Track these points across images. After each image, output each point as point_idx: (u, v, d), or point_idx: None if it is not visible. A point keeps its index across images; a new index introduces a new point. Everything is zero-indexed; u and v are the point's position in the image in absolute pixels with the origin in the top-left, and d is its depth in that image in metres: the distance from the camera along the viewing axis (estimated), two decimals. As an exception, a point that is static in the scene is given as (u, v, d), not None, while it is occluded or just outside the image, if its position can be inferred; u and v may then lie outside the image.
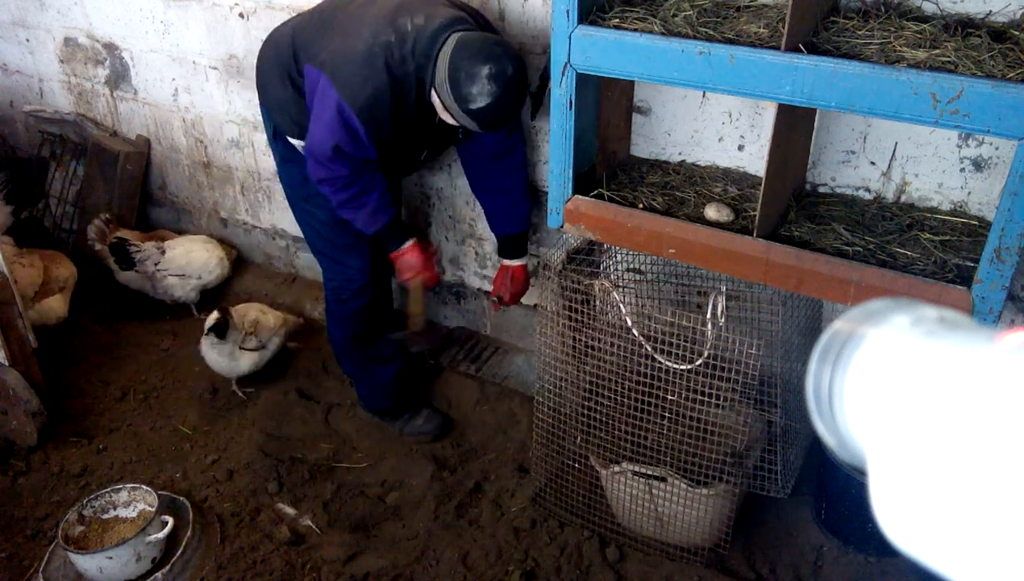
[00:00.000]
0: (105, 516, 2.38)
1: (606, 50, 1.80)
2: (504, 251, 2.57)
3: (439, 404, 2.86)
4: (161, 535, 2.24)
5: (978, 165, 1.92)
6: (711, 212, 1.95)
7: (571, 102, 1.91)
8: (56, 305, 3.25)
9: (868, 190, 2.08)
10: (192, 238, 3.52)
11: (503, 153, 2.38)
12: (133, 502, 2.40)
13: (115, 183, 3.69)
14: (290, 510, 2.47)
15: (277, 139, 2.44)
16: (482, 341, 3.10)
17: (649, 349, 1.98)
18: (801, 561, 2.25)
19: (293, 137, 2.36)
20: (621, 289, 2.14)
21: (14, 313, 2.73)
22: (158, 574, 2.24)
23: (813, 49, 1.63)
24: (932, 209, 1.99)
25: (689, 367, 1.94)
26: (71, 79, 3.80)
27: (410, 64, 2.06)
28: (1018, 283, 2.00)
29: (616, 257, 2.30)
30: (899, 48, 1.59)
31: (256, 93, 2.48)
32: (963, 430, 0.44)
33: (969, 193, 1.96)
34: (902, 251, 1.80)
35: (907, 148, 1.99)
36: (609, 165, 2.24)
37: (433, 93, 2.08)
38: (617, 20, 1.83)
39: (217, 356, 2.85)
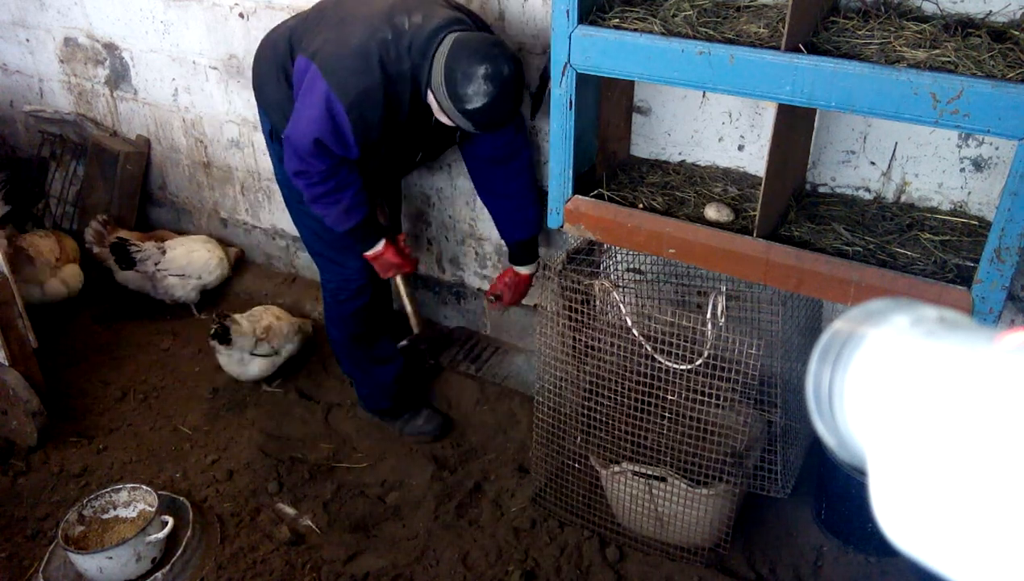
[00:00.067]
0: (105, 516, 2.38)
1: (606, 50, 1.80)
2: (514, 257, 2.56)
3: (439, 404, 2.86)
4: (161, 535, 2.24)
5: (978, 165, 1.92)
6: (711, 212, 1.95)
7: (571, 102, 1.91)
8: (76, 271, 3.45)
9: (868, 190, 2.08)
10: (192, 238, 3.52)
11: (507, 157, 2.37)
12: (133, 502, 2.40)
13: (115, 183, 3.69)
14: (290, 510, 2.47)
15: (275, 140, 2.43)
16: (482, 341, 3.11)
17: (649, 349, 1.98)
18: (801, 561, 2.25)
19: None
20: (621, 289, 2.14)
21: (14, 313, 2.73)
22: (158, 574, 2.24)
23: (813, 49, 1.63)
24: (932, 209, 1.99)
25: (689, 367, 1.94)
26: (71, 79, 3.80)
27: (405, 62, 2.05)
28: (1018, 283, 2.00)
29: (616, 257, 2.30)
30: (899, 48, 1.59)
31: (253, 93, 2.48)
32: (963, 430, 0.44)
33: (969, 193, 1.96)
34: (902, 251, 1.80)
35: (907, 148, 1.99)
36: (609, 165, 2.24)
37: (429, 93, 2.07)
38: (617, 20, 1.83)
39: (227, 360, 2.87)
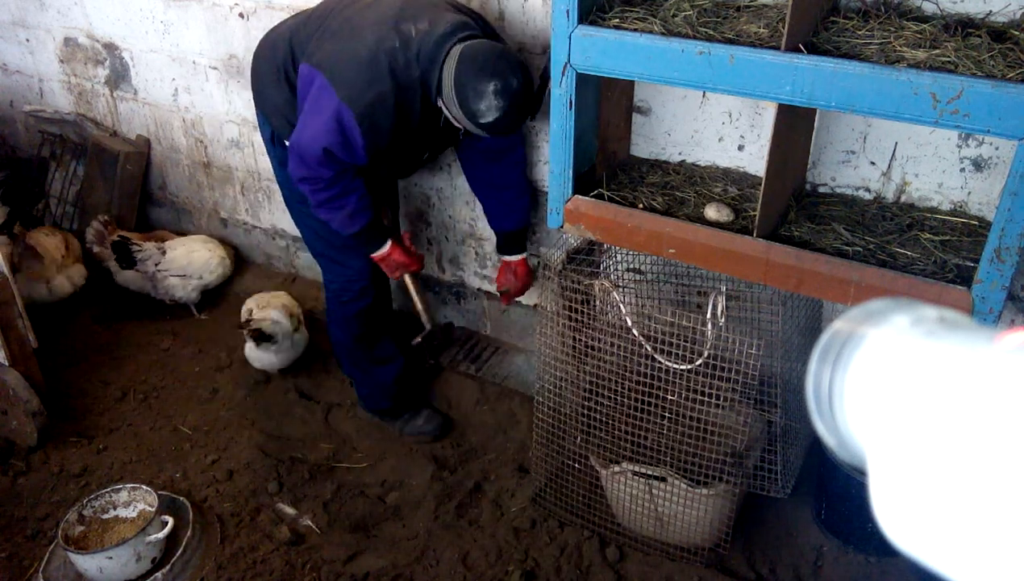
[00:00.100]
0: (105, 516, 2.38)
1: (606, 50, 1.80)
2: (503, 247, 2.58)
3: (439, 404, 2.86)
4: (161, 535, 2.24)
5: (978, 165, 1.92)
6: (711, 212, 1.95)
7: (571, 102, 1.91)
8: (81, 269, 3.48)
9: (868, 190, 2.08)
10: (193, 238, 3.52)
11: (503, 150, 2.39)
12: (133, 502, 2.40)
13: (115, 183, 3.69)
14: (290, 510, 2.47)
15: (275, 143, 2.43)
16: (482, 341, 3.10)
17: (649, 349, 1.98)
18: (801, 561, 2.25)
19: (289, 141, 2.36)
20: (621, 289, 2.14)
21: (14, 313, 2.73)
22: (158, 574, 2.24)
23: (813, 49, 1.63)
24: (932, 209, 1.99)
25: (689, 367, 1.94)
26: (71, 79, 3.80)
27: (415, 70, 2.05)
28: (1018, 283, 2.00)
29: (616, 257, 2.30)
30: (899, 48, 1.59)
31: (252, 95, 2.48)
32: (963, 430, 0.44)
33: (969, 193, 1.96)
34: (902, 251, 1.80)
35: (907, 148, 1.99)
36: (609, 165, 2.24)
37: (440, 101, 2.09)
38: (617, 20, 1.83)
39: (274, 356, 2.90)
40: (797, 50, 1.61)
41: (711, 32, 1.74)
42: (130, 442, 2.76)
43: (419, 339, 2.83)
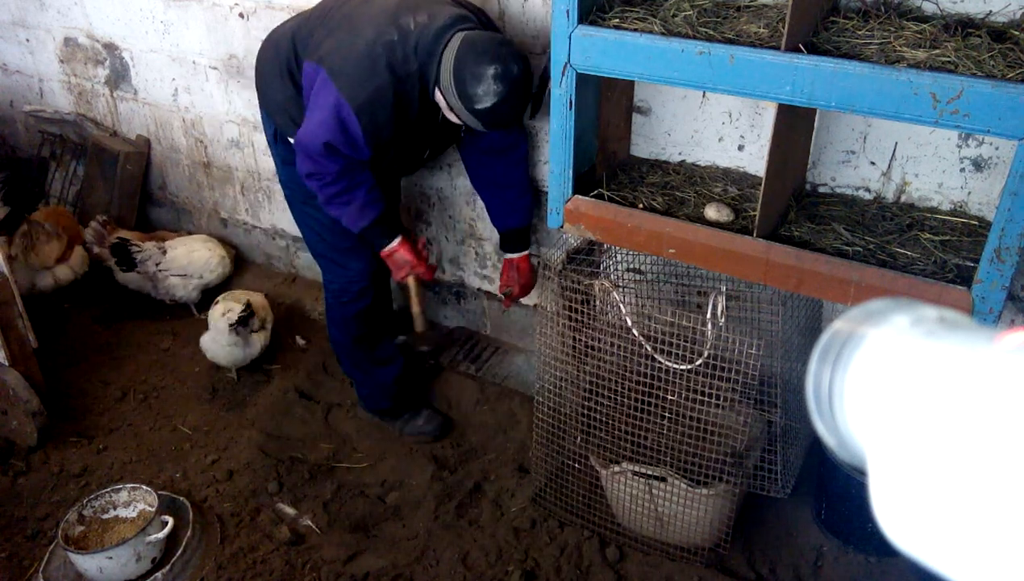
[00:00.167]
0: (105, 516, 2.38)
1: (606, 50, 1.80)
2: (506, 245, 2.57)
3: (439, 404, 2.86)
4: (161, 535, 2.24)
5: (978, 165, 1.92)
6: (711, 212, 1.95)
7: (571, 102, 1.91)
8: (82, 253, 3.48)
9: (868, 190, 2.08)
10: (193, 237, 3.52)
11: (506, 148, 2.39)
12: (133, 502, 2.40)
13: (115, 183, 3.70)
14: (290, 510, 2.47)
15: (278, 141, 2.43)
16: (482, 341, 3.10)
17: (649, 349, 1.98)
18: (801, 561, 2.25)
19: (295, 138, 2.35)
20: (621, 289, 2.14)
21: (14, 313, 2.73)
22: (158, 574, 2.24)
23: (813, 49, 1.63)
24: (932, 209, 1.99)
25: (689, 367, 1.94)
26: (71, 79, 3.80)
27: (413, 63, 2.05)
28: (1018, 283, 2.00)
29: (616, 257, 2.30)
30: (899, 48, 1.59)
31: (256, 93, 2.48)
32: (963, 430, 0.44)
33: (969, 193, 1.96)
34: (902, 251, 1.80)
35: (907, 148, 1.99)
36: (609, 165, 2.24)
37: (437, 92, 2.08)
38: (617, 20, 1.83)
39: (231, 348, 2.90)
40: (797, 50, 1.61)
41: (711, 32, 1.74)
42: (130, 442, 2.76)
43: (404, 338, 2.80)
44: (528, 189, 2.50)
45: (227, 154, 3.48)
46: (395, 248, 2.36)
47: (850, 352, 0.54)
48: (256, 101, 2.51)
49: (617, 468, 2.16)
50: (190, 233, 3.68)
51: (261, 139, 3.25)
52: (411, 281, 2.49)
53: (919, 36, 1.63)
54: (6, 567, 2.31)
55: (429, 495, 2.50)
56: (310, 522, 2.43)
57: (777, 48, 1.62)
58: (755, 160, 2.21)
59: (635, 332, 2.00)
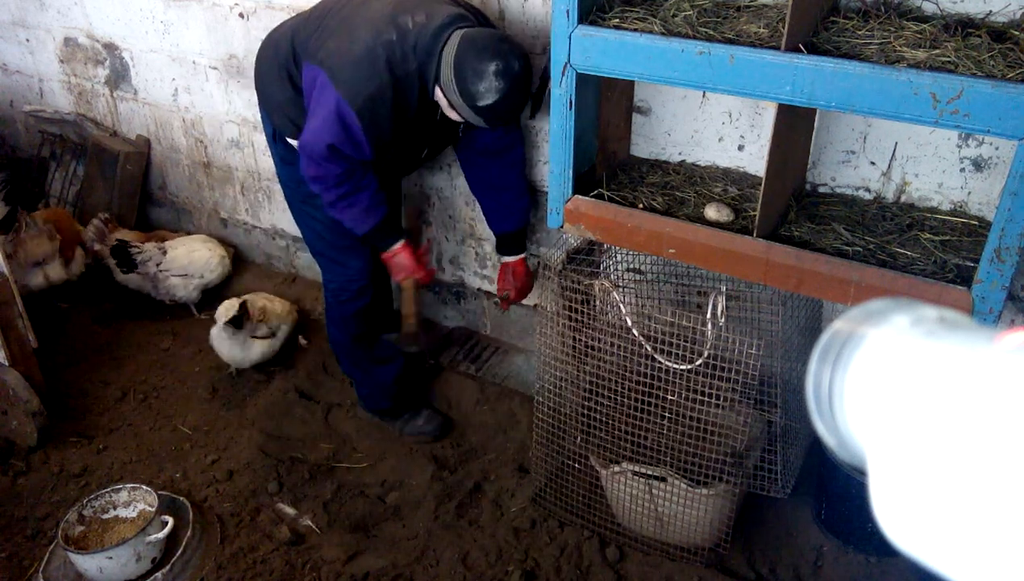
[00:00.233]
0: (105, 516, 2.38)
1: (606, 50, 1.80)
2: (502, 248, 2.57)
3: (439, 404, 2.86)
4: (161, 535, 2.24)
5: (978, 165, 1.92)
6: (711, 212, 1.95)
7: (571, 102, 1.91)
8: (79, 257, 3.45)
9: (868, 190, 2.08)
10: (193, 237, 3.52)
11: (502, 149, 2.39)
12: (133, 502, 2.40)
13: (115, 183, 3.70)
14: (290, 510, 2.47)
15: (277, 141, 2.43)
16: (482, 341, 3.10)
17: (649, 349, 1.98)
18: (801, 561, 2.25)
19: (293, 138, 2.35)
20: (621, 289, 2.14)
21: (14, 313, 2.73)
22: (158, 574, 2.24)
23: (813, 49, 1.63)
24: (932, 209, 1.99)
25: (689, 367, 1.94)
26: (71, 79, 3.80)
27: (412, 63, 2.05)
28: (1018, 283, 2.00)
29: (616, 257, 2.30)
30: (899, 48, 1.59)
31: (255, 93, 2.48)
32: (963, 430, 0.44)
33: (969, 193, 1.96)
34: (902, 251, 1.80)
35: (907, 148, 1.99)
36: (609, 165, 2.24)
37: (437, 90, 2.08)
38: (617, 20, 1.83)
39: (229, 346, 2.90)
40: (797, 50, 1.61)
41: (711, 32, 1.74)
42: (130, 442, 2.76)
43: (393, 336, 2.75)
44: (524, 192, 2.50)
45: (227, 154, 3.48)
46: (397, 251, 2.37)
47: (850, 352, 0.54)
48: (256, 101, 2.51)
49: (617, 468, 2.16)
50: (190, 233, 3.68)
51: (261, 139, 3.25)
52: (408, 283, 2.49)
53: (919, 36, 1.63)
54: (6, 567, 2.31)
55: (429, 495, 2.50)
56: (310, 522, 2.43)
57: (777, 48, 1.62)
58: (755, 160, 2.21)
59: (635, 332, 2.00)
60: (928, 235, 1.86)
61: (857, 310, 0.56)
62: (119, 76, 3.61)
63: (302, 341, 3.17)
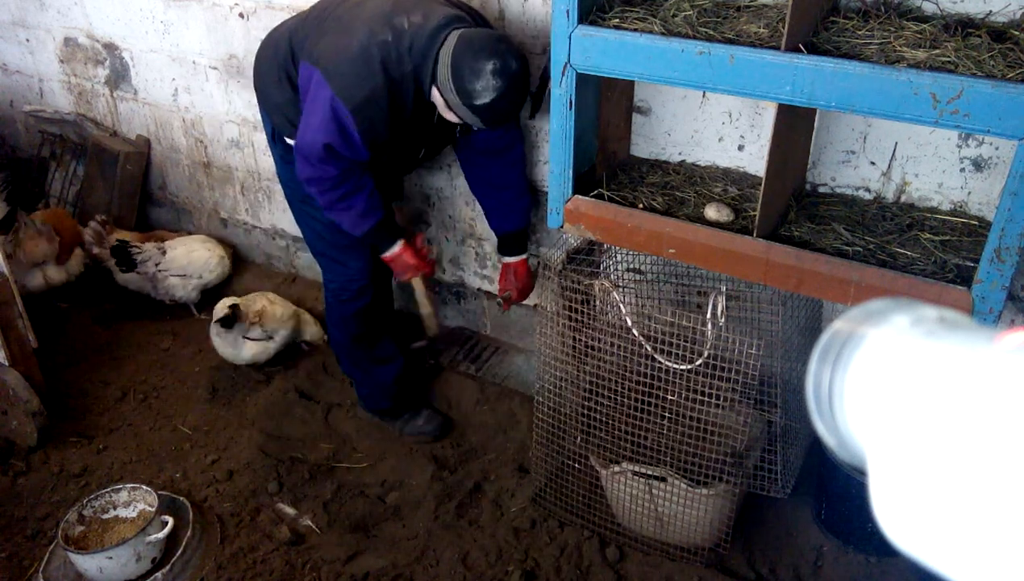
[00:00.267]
0: (105, 516, 2.38)
1: (606, 50, 1.80)
2: (504, 249, 2.57)
3: (439, 404, 2.86)
4: (161, 535, 2.24)
5: (978, 165, 1.92)
6: (711, 212, 1.95)
7: (571, 102, 1.91)
8: (78, 258, 3.46)
9: (868, 190, 2.08)
10: (192, 238, 3.52)
11: (502, 149, 2.38)
12: (133, 502, 2.40)
13: (115, 183, 3.70)
14: (290, 510, 2.47)
15: (276, 140, 2.43)
16: (482, 341, 3.11)
17: (649, 349, 1.98)
18: (801, 561, 2.25)
19: (292, 139, 2.35)
20: (621, 289, 2.14)
21: (14, 313, 2.73)
22: (158, 574, 2.24)
23: (813, 49, 1.63)
24: (932, 209, 1.99)
25: (689, 367, 1.94)
26: (71, 79, 3.80)
27: (407, 63, 2.05)
28: (1018, 283, 2.00)
29: (616, 257, 2.30)
30: (899, 48, 1.59)
31: (255, 93, 2.48)
32: (963, 430, 0.44)
33: (969, 193, 1.96)
34: (902, 251, 1.80)
35: (907, 148, 1.99)
36: (609, 165, 2.24)
37: (434, 91, 2.07)
38: (617, 20, 1.83)
39: (222, 343, 2.93)
40: (797, 50, 1.61)
41: (711, 32, 1.74)
42: (130, 442, 2.76)
43: (422, 344, 2.81)
44: (525, 192, 2.49)
45: (227, 154, 3.48)
46: (398, 253, 2.37)
47: (850, 352, 0.54)
48: (256, 101, 2.51)
49: (617, 468, 2.16)
50: (190, 233, 3.68)
51: (261, 139, 3.25)
52: (416, 282, 2.49)
53: (919, 36, 1.63)
54: (6, 567, 2.31)
55: (429, 495, 2.50)
56: (310, 522, 2.43)
57: (777, 48, 1.62)
58: (755, 160, 2.21)
59: (635, 332, 2.00)
60: (928, 235, 1.86)
61: (857, 310, 0.56)
62: (119, 76, 3.61)
63: (305, 346, 3.17)
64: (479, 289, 3.05)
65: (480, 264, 2.98)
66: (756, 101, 2.12)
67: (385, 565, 2.29)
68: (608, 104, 2.13)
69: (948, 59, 1.53)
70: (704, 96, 2.20)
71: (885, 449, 0.49)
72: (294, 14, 2.45)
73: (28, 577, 2.28)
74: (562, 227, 2.10)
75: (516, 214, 2.50)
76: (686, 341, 1.93)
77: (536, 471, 2.44)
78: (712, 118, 2.22)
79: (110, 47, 3.56)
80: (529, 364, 2.89)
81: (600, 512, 2.32)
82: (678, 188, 2.14)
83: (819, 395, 0.55)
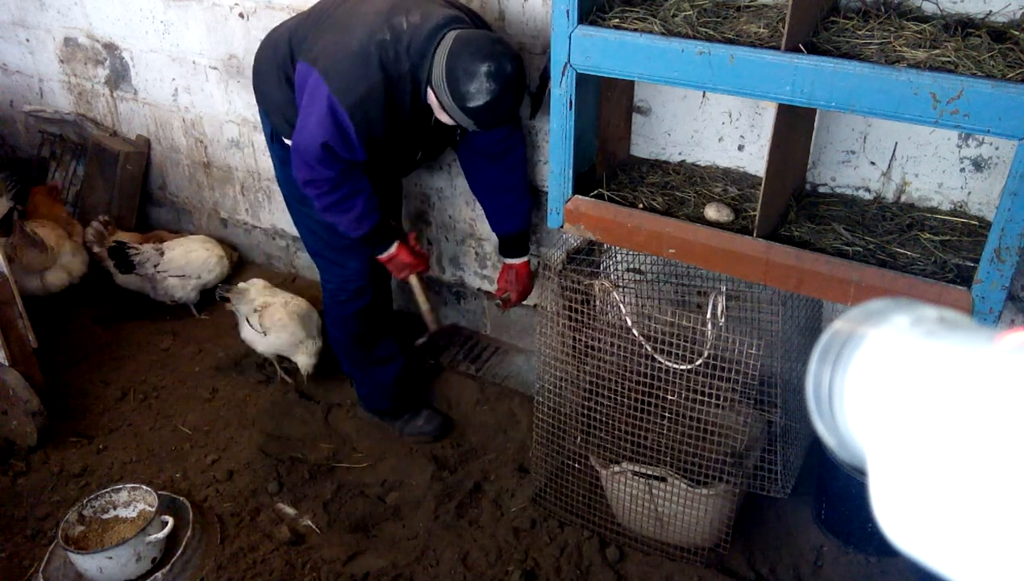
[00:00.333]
0: (105, 516, 2.38)
1: (606, 50, 1.80)
2: (506, 250, 2.57)
3: (439, 404, 2.86)
4: (161, 535, 2.24)
5: (978, 165, 1.92)
6: (711, 212, 1.95)
7: (571, 102, 1.91)
8: (81, 259, 3.43)
9: (868, 190, 2.08)
10: (191, 238, 3.52)
11: (503, 152, 2.38)
12: (133, 502, 2.40)
13: (115, 183, 3.70)
14: (290, 510, 2.47)
15: (275, 141, 2.43)
16: (482, 341, 3.11)
17: (649, 349, 1.98)
18: (801, 561, 2.25)
19: (290, 139, 2.35)
20: (621, 289, 2.14)
21: (14, 313, 2.73)
22: (158, 574, 2.24)
23: (813, 49, 1.63)
24: (932, 209, 1.99)
25: (689, 367, 1.94)
26: (71, 79, 3.80)
27: (405, 63, 2.05)
28: (1018, 283, 2.00)
29: (616, 257, 2.30)
30: (899, 48, 1.59)
31: (254, 94, 2.48)
32: (963, 430, 0.44)
33: (969, 193, 1.96)
34: (902, 251, 1.80)
35: (907, 148, 1.99)
36: (609, 165, 2.24)
37: (430, 92, 2.07)
38: (617, 20, 1.83)
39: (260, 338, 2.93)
40: (797, 50, 1.61)
41: (711, 32, 1.74)
42: (130, 442, 2.76)
43: (423, 340, 2.82)
44: (526, 194, 2.49)
45: (227, 154, 3.48)
46: (394, 253, 2.37)
47: (850, 352, 0.54)
48: (255, 101, 2.51)
49: (617, 468, 2.16)
50: (190, 233, 3.68)
51: (261, 139, 3.25)
52: (413, 279, 2.50)
53: (919, 36, 1.63)
54: (6, 567, 2.31)
55: (429, 495, 2.50)
56: (310, 522, 2.43)
57: (777, 48, 1.62)
58: (755, 160, 2.21)
59: (635, 332, 2.00)
60: (928, 235, 1.86)
61: (857, 310, 0.56)
62: (119, 76, 3.61)
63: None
64: (479, 289, 3.05)
65: (480, 264, 2.98)
66: (756, 101, 2.12)
67: (385, 565, 2.29)
68: (608, 104, 2.13)
69: (948, 59, 1.53)
70: (704, 96, 2.20)
71: (885, 449, 0.49)
72: (294, 14, 2.45)
73: (28, 577, 2.28)
74: (562, 227, 2.10)
75: (517, 216, 2.49)
76: (686, 341, 1.93)
77: (536, 471, 2.44)
78: (712, 118, 2.22)
79: (110, 47, 3.56)
80: (529, 364, 2.89)
81: (600, 512, 2.32)
82: (678, 188, 2.14)
83: (819, 395, 0.55)
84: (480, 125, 2.06)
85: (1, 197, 3.80)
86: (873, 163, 2.04)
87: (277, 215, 3.49)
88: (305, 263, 3.51)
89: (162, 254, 3.33)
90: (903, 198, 2.04)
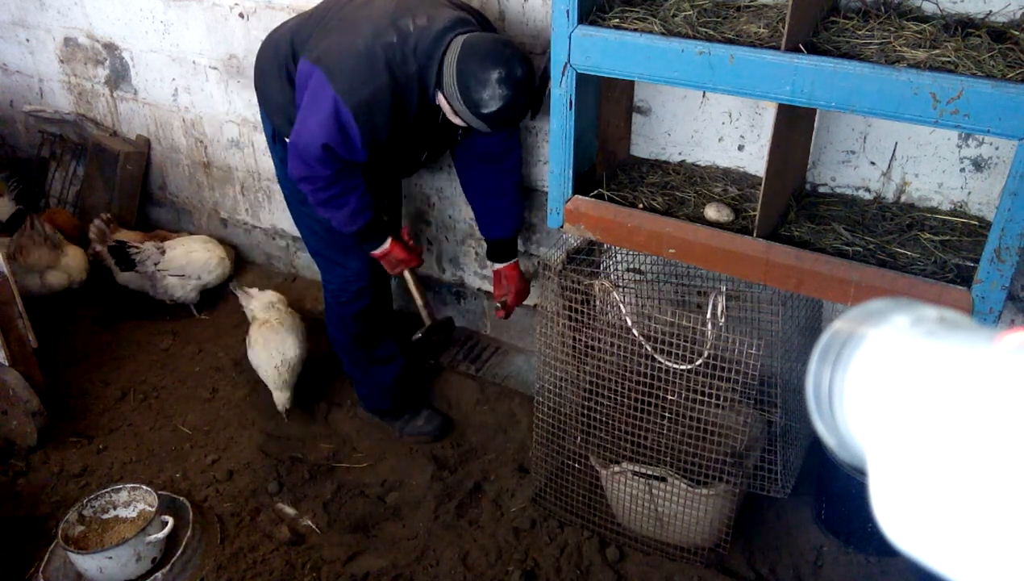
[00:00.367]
0: (105, 516, 2.38)
1: (606, 50, 1.80)
2: (493, 254, 2.57)
3: (439, 404, 2.86)
4: (161, 535, 2.24)
5: (978, 165, 1.92)
6: (711, 212, 1.95)
7: (571, 102, 1.91)
8: (82, 262, 3.43)
9: (868, 190, 2.08)
10: (192, 238, 3.52)
11: (500, 155, 2.38)
12: (133, 502, 2.40)
13: (115, 183, 3.70)
14: (290, 510, 2.47)
15: (277, 142, 2.43)
16: (482, 341, 3.11)
17: (649, 349, 1.98)
18: (801, 561, 2.25)
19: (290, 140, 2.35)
20: (621, 289, 2.14)
21: (14, 313, 2.73)
22: (158, 574, 2.24)
23: (813, 49, 1.63)
24: (932, 209, 1.99)
25: (689, 367, 1.94)
26: (71, 79, 3.80)
27: (412, 65, 2.04)
28: (1018, 283, 2.00)
29: (616, 257, 2.30)
30: (899, 48, 1.59)
31: (256, 94, 2.48)
32: (963, 430, 0.44)
33: (969, 193, 1.96)
34: (902, 251, 1.80)
35: (907, 148, 1.99)
36: (609, 165, 2.24)
37: (440, 95, 2.07)
38: (617, 20, 1.83)
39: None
40: (797, 50, 1.61)
41: (711, 32, 1.74)
42: (130, 442, 2.76)
43: (419, 334, 2.81)
44: (518, 200, 2.49)
45: (227, 154, 3.48)
46: (387, 250, 2.38)
47: (850, 352, 0.54)
48: (256, 101, 2.50)
49: (617, 468, 2.16)
50: (190, 233, 3.68)
51: (261, 139, 3.25)
52: (407, 274, 2.51)
53: (919, 36, 1.63)
54: (6, 567, 2.31)
55: (429, 495, 2.50)
56: (310, 522, 2.43)
57: (777, 48, 1.62)
58: (755, 160, 2.21)
59: (635, 332, 2.00)
60: (928, 235, 1.86)
61: (857, 310, 0.56)
62: (119, 76, 3.61)
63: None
64: (479, 289, 3.05)
65: (480, 264, 2.98)
66: (756, 101, 2.12)
67: (385, 565, 2.29)
68: (608, 104, 2.13)
69: (948, 59, 1.53)
70: (704, 96, 2.20)
71: (885, 449, 0.49)
72: (294, 14, 2.45)
73: (28, 577, 2.28)
74: (562, 227, 2.10)
75: (508, 222, 2.49)
76: (686, 341, 1.93)
77: (536, 471, 2.44)
78: (712, 118, 2.22)
79: (110, 47, 3.56)
80: (529, 364, 2.89)
81: (600, 512, 2.32)
82: (678, 188, 2.14)
83: (819, 395, 0.55)
84: (494, 128, 2.07)
85: (2, 197, 3.81)
86: (873, 163, 2.04)
87: (277, 215, 3.49)
88: (305, 263, 3.51)
89: (163, 252, 3.33)
90: (903, 198, 2.04)
